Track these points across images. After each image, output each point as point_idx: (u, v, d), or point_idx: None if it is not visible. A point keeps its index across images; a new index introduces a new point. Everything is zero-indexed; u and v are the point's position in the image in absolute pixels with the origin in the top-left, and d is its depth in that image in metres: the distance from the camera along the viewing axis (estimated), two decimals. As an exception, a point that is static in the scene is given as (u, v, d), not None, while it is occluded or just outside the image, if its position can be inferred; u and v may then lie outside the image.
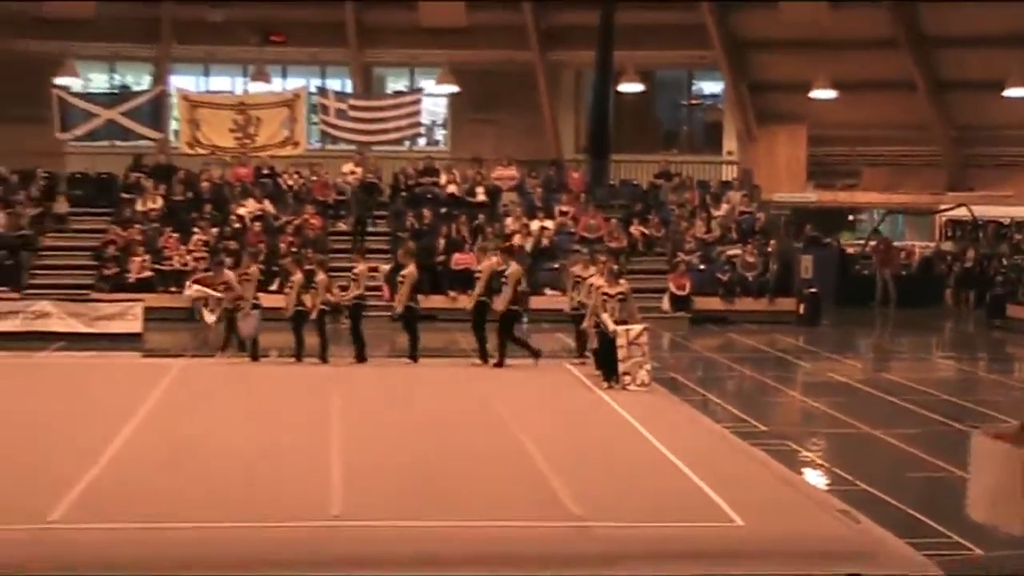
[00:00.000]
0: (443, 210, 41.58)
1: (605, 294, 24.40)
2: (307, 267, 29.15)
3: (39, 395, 23.70)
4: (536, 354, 27.31)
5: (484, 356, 27.26)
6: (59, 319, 32.37)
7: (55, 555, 13.49)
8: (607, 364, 24.36)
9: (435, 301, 32.26)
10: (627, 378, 23.78)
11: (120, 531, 14.23)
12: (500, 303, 27.51)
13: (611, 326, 24.02)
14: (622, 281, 25.08)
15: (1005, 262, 41.49)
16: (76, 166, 44.68)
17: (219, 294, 29.01)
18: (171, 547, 13.73)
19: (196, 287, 30.20)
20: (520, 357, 26.90)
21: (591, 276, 26.07)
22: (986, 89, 42.58)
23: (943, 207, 45.36)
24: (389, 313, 28.38)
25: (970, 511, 12.94)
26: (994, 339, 36.20)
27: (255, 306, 28.20)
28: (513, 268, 28.21)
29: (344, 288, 28.19)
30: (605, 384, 24.15)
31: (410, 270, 27.95)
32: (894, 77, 44.22)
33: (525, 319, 29.00)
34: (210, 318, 29.17)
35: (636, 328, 24.18)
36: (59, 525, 14.54)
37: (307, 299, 27.85)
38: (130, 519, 14.61)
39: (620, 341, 23.90)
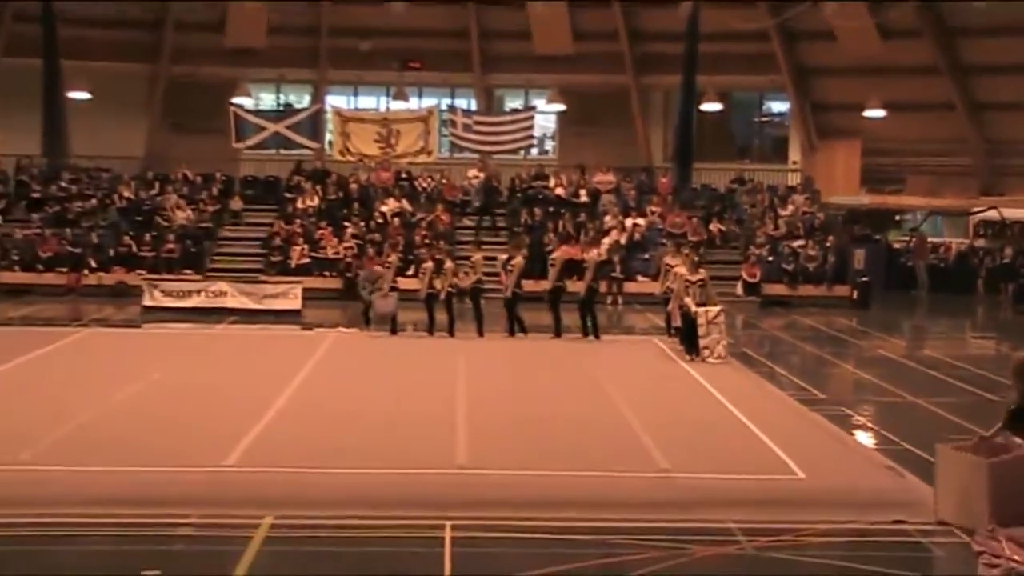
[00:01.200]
0: (551, 209, 41.63)
1: (687, 281, 24.48)
2: (437, 256, 29.28)
3: (216, 360, 24.06)
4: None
5: (585, 332, 27.45)
6: (233, 297, 32.77)
7: (230, 493, 13.66)
8: (689, 340, 24.34)
9: (543, 285, 32.23)
10: (706, 351, 23.81)
11: (283, 474, 14.41)
12: (583, 287, 27.74)
13: (692, 307, 24.08)
14: (701, 270, 25.17)
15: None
16: (248, 170, 45.09)
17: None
18: (323, 488, 13.87)
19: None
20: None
21: (677, 265, 26.00)
22: (1015, 109, 42.10)
23: (976, 209, 44.91)
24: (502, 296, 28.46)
25: (938, 513, 12.97)
26: (1020, 322, 35.75)
27: (393, 288, 28.45)
28: (590, 255, 28.85)
29: (466, 274, 28.32)
30: (687, 357, 24.11)
31: (517, 260, 27.99)
32: (936, 99, 43.75)
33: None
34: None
35: (714, 309, 24.24)
36: (233, 468, 14.73)
37: (437, 283, 28.01)
38: (291, 464, 14.80)
39: (700, 320, 23.97)
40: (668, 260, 27.68)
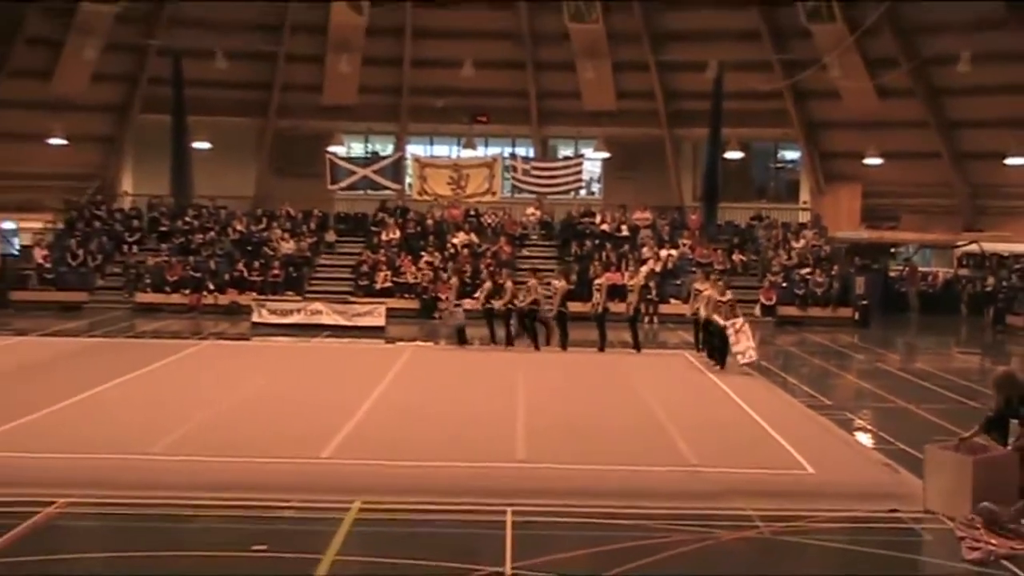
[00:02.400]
0: (597, 242, 41.61)
1: (718, 301, 24.61)
2: (499, 280, 29.36)
3: (313, 369, 24.18)
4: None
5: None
6: (327, 315, 32.95)
7: (325, 481, 13.72)
8: (719, 353, 24.42)
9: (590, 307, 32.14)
10: (739, 356, 23.95)
11: (370, 466, 14.47)
12: (629, 307, 28.03)
13: (722, 323, 24.22)
14: (728, 292, 25.33)
15: (1005, 284, 40.79)
16: (341, 208, 45.33)
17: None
18: (403, 478, 13.92)
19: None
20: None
21: (706, 290, 25.96)
22: (992, 158, 41.80)
23: (960, 243, 44.64)
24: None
25: (927, 503, 12.94)
26: (997, 340, 35.44)
27: (456, 305, 28.63)
28: (636, 280, 29.32)
29: (523, 297, 28.33)
30: (716, 367, 24.22)
31: (560, 284, 28.07)
32: (925, 149, 43.46)
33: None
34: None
35: (739, 320, 24.40)
36: (328, 460, 14.81)
37: (496, 302, 28.13)
38: (377, 457, 14.86)
39: (730, 331, 24.06)
40: (697, 286, 27.57)
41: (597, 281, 28.66)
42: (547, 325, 28.00)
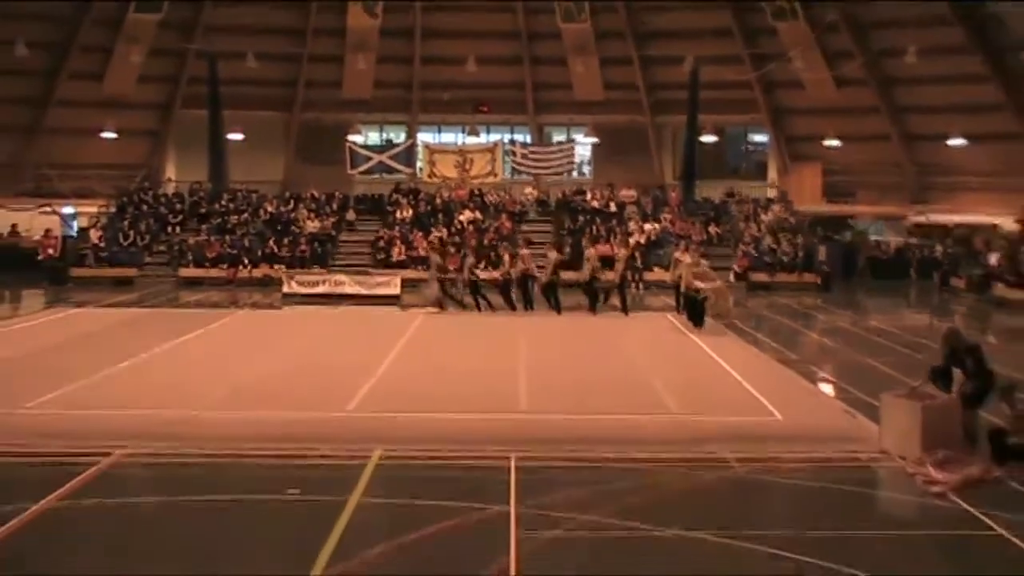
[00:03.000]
0: (588, 217, 41.51)
1: (693, 270, 24.36)
2: (501, 252, 29.41)
3: (338, 333, 24.16)
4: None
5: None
6: (350, 286, 32.74)
7: (350, 432, 13.77)
8: (696, 316, 24.09)
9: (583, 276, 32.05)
10: (718, 317, 24.19)
11: (389, 418, 14.53)
12: (616, 275, 27.83)
13: (700, 286, 23.93)
14: (703, 260, 25.40)
15: (949, 251, 40.74)
16: (360, 190, 45.15)
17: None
18: (419, 428, 13.96)
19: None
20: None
21: (685, 259, 26.00)
22: (937, 140, 41.71)
23: (909, 215, 44.57)
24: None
25: (882, 446, 13.08)
26: (943, 300, 35.42)
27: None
28: (623, 251, 28.94)
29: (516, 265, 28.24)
30: (694, 328, 23.83)
31: (552, 256, 27.98)
32: (878, 133, 43.33)
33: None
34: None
35: (718, 283, 24.54)
36: (352, 413, 14.85)
37: (481, 273, 29.01)
38: (395, 409, 14.93)
39: (707, 293, 23.84)
40: (677, 255, 27.69)
41: (589, 252, 28.55)
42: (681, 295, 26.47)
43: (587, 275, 27.77)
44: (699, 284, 24.03)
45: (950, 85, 40.11)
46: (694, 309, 24.37)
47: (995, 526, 10.41)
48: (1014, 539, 10.02)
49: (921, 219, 44.37)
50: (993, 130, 40.02)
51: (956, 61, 39.61)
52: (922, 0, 38.65)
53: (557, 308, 27.36)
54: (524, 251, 28.83)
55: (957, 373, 13.71)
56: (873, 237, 45.10)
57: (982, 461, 12.22)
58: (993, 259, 35.44)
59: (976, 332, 24.00)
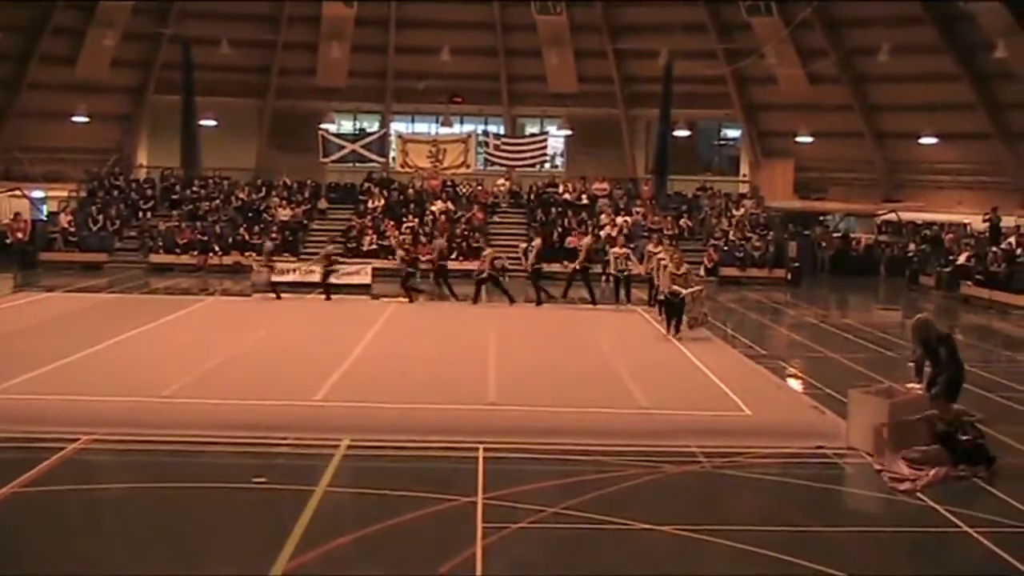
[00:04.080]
0: (560, 209, 41.52)
1: (673, 275, 22.37)
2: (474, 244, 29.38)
3: (308, 322, 24.05)
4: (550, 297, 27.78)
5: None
6: (320, 274, 32.55)
7: (318, 420, 13.72)
8: (676, 321, 22.20)
9: (553, 267, 31.99)
10: (693, 321, 22.34)
11: (357, 407, 14.49)
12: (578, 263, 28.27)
13: (682, 291, 22.03)
14: (684, 265, 23.26)
15: (922, 248, 40.91)
16: (332, 179, 45.00)
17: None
18: (387, 418, 13.91)
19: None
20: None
21: (659, 253, 24.92)
22: (908, 138, 41.98)
23: (880, 212, 44.79)
24: (525, 274, 28.54)
25: (849, 441, 13.14)
26: (911, 297, 35.61)
27: (266, 266, 29.64)
28: (585, 240, 29.35)
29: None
30: (673, 334, 21.93)
31: (537, 242, 28.01)
32: (850, 129, 43.55)
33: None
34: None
35: (696, 288, 22.79)
36: (320, 402, 14.79)
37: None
38: (363, 399, 14.87)
39: (688, 300, 22.14)
40: (650, 248, 26.83)
41: (582, 243, 28.78)
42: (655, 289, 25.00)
43: (531, 266, 28.01)
44: (678, 289, 22.21)
45: (922, 84, 40.37)
46: (671, 313, 22.61)
47: (960, 523, 10.46)
48: (979, 537, 10.08)
49: (891, 216, 44.61)
50: (964, 129, 40.34)
51: (928, 60, 39.88)
52: (895, -1, 38.91)
53: (539, 298, 27.32)
54: (488, 251, 28.92)
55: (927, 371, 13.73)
56: (842, 233, 45.28)
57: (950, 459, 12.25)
58: (962, 257, 35.61)
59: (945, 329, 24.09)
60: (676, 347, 20.78)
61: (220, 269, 36.36)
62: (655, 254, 25.64)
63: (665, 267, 23.04)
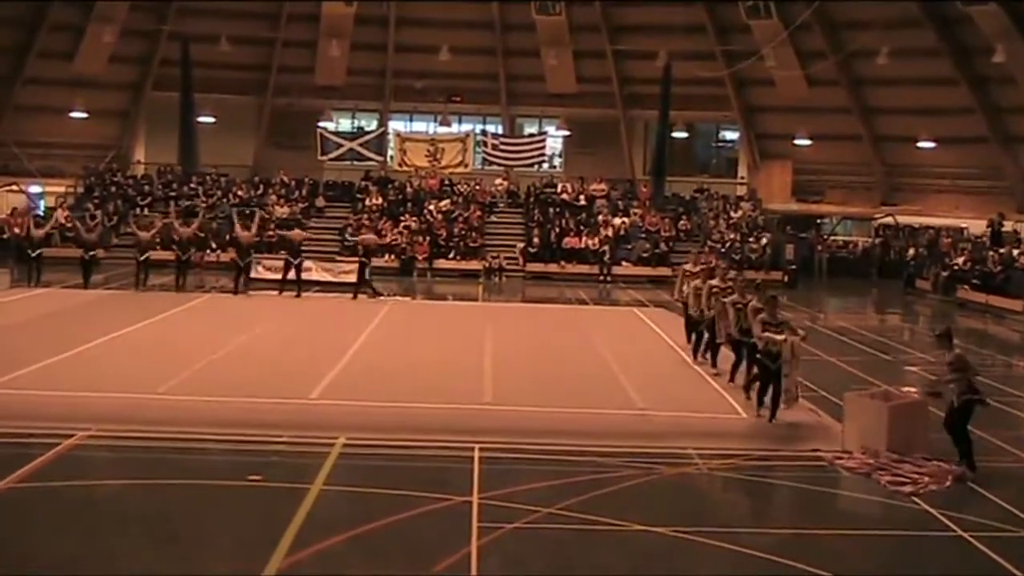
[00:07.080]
0: (558, 210, 41.50)
1: (738, 303, 16.38)
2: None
3: (304, 319, 24.05)
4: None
5: None
6: (317, 272, 32.70)
7: (313, 419, 13.72)
8: (768, 390, 14.49)
9: (551, 268, 32.04)
10: (787, 394, 14.40)
11: (353, 406, 14.49)
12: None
13: (778, 339, 14.25)
14: (749, 295, 16.52)
15: (922, 252, 40.92)
16: (329, 177, 44.97)
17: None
18: (383, 417, 13.93)
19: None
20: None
21: (697, 272, 19.70)
22: (906, 141, 41.96)
23: (877, 215, 44.78)
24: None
25: (845, 444, 13.16)
26: (907, 301, 35.60)
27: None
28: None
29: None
30: (761, 413, 14.46)
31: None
32: (848, 132, 43.49)
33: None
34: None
35: (797, 339, 14.45)
36: (316, 400, 14.79)
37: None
38: (359, 398, 14.88)
39: (785, 355, 14.26)
40: (688, 267, 21.21)
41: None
42: (702, 334, 18.79)
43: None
44: (772, 335, 14.35)
45: (921, 87, 40.34)
46: (765, 381, 14.55)
47: (955, 527, 10.46)
48: (973, 540, 10.07)
49: (888, 220, 44.61)
50: (962, 133, 40.30)
51: (927, 64, 39.85)
52: (894, 1, 38.79)
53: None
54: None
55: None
56: (840, 236, 45.29)
57: (951, 466, 12.20)
58: (959, 261, 35.62)
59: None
60: (672, 348, 20.76)
61: (217, 266, 36.25)
62: (693, 274, 19.89)
63: (739, 309, 16.26)
